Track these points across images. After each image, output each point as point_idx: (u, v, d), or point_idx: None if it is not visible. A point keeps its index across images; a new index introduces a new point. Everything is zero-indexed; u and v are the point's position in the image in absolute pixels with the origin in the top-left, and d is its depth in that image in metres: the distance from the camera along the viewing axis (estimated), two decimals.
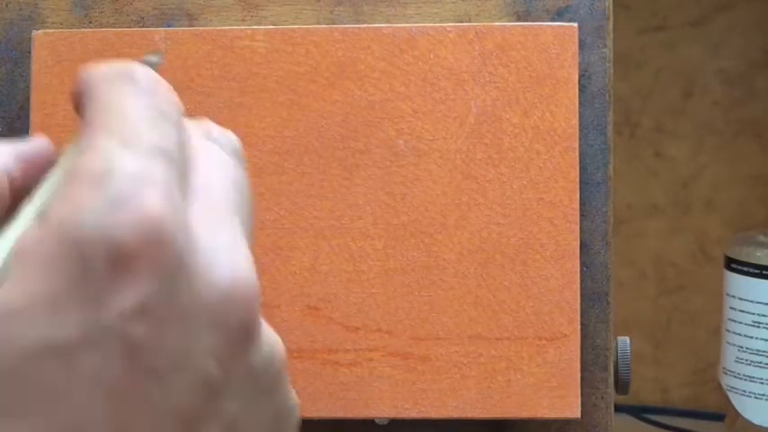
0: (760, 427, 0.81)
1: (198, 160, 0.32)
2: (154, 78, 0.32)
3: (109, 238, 0.27)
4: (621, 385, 0.53)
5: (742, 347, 0.81)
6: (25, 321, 0.27)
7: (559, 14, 0.53)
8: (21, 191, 0.33)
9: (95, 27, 0.53)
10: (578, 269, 0.51)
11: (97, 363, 0.27)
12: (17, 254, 0.28)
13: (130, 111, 0.30)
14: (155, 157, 0.29)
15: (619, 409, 0.93)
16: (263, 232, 0.51)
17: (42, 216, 0.29)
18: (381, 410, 0.51)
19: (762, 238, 0.82)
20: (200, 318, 0.29)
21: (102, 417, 0.27)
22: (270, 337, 0.32)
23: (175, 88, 0.52)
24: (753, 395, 0.81)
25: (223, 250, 0.30)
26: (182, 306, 0.28)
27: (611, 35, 0.53)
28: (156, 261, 0.27)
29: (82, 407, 0.27)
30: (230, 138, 0.34)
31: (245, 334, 0.30)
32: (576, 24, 0.51)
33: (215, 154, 0.33)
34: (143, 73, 0.32)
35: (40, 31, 0.52)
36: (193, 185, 0.31)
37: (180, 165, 0.30)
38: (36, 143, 0.36)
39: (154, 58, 0.35)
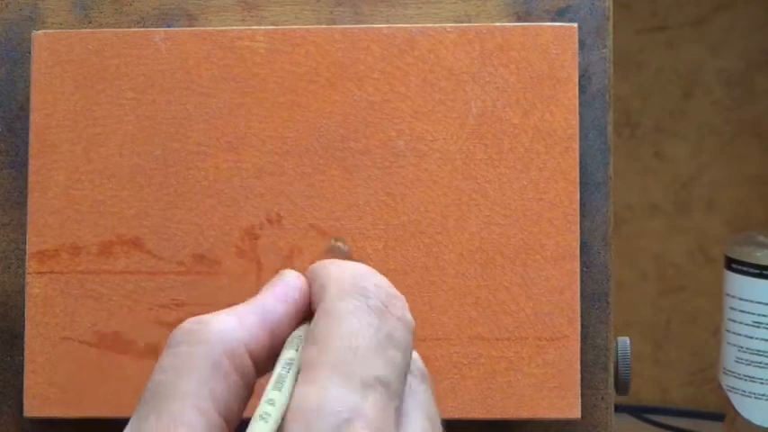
0: (760, 427, 0.81)
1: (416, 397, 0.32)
2: (387, 294, 0.32)
3: None
4: (621, 385, 0.53)
5: (742, 347, 0.81)
6: None
7: (559, 15, 0.53)
8: (264, 356, 0.33)
9: (95, 27, 0.53)
10: (578, 269, 0.51)
11: None
12: None
13: (355, 335, 0.31)
14: (371, 389, 0.29)
15: (619, 409, 0.93)
16: (262, 233, 0.51)
17: None
18: None
19: (762, 238, 0.82)
20: None
21: None
22: None
23: (175, 88, 0.52)
24: (753, 395, 0.81)
25: None
26: None
27: (611, 35, 0.53)
28: None
29: None
30: (419, 365, 0.34)
31: None
32: (575, 24, 0.51)
33: (412, 386, 0.33)
34: (375, 288, 0.32)
35: (40, 32, 0.52)
36: (405, 417, 0.31)
37: (398, 393, 0.31)
38: (281, 300, 0.34)
39: (344, 247, 0.35)
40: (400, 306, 0.32)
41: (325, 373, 0.30)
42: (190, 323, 0.33)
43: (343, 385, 0.29)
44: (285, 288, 0.34)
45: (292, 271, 0.35)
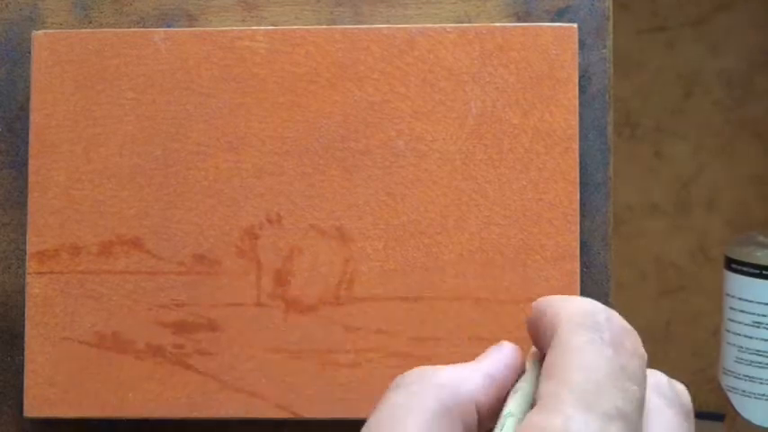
0: (760, 427, 0.81)
1: (650, 420, 0.32)
2: (620, 328, 0.32)
3: None
4: None
5: (742, 347, 0.81)
6: None
7: (559, 15, 0.53)
8: (486, 411, 0.34)
9: (95, 27, 0.53)
10: (578, 270, 0.51)
11: None
12: None
13: (594, 368, 0.31)
14: (612, 421, 0.29)
15: None
16: (262, 233, 0.51)
17: None
18: None
19: (762, 238, 0.82)
20: None
21: None
22: None
23: (175, 88, 0.52)
24: (753, 395, 0.81)
25: None
26: None
27: (611, 35, 0.53)
28: None
29: None
30: (680, 392, 0.34)
31: None
32: (575, 25, 0.51)
33: (666, 416, 0.33)
34: (607, 322, 0.32)
35: (40, 32, 0.52)
36: None
37: (637, 426, 0.30)
38: (509, 362, 0.35)
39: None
40: (633, 340, 0.32)
41: (567, 403, 0.30)
42: (421, 368, 0.34)
43: (586, 415, 0.29)
44: (507, 354, 0.35)
45: (509, 343, 0.36)
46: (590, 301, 0.33)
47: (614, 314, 0.32)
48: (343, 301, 0.51)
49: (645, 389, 0.32)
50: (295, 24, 0.53)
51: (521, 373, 0.35)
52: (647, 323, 1.00)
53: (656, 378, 0.34)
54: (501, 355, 0.35)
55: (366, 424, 0.32)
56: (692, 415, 0.33)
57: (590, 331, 0.32)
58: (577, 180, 0.51)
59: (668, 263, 0.99)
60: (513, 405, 0.33)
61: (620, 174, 1.00)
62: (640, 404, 0.31)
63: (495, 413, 0.33)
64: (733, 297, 0.81)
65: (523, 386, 0.34)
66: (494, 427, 0.32)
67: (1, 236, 0.53)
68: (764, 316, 0.79)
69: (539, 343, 0.34)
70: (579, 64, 0.52)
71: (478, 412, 0.33)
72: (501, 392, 0.34)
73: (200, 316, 0.51)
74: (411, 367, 0.51)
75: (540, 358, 0.34)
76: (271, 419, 0.51)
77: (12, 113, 0.53)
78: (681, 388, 0.34)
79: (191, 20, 0.53)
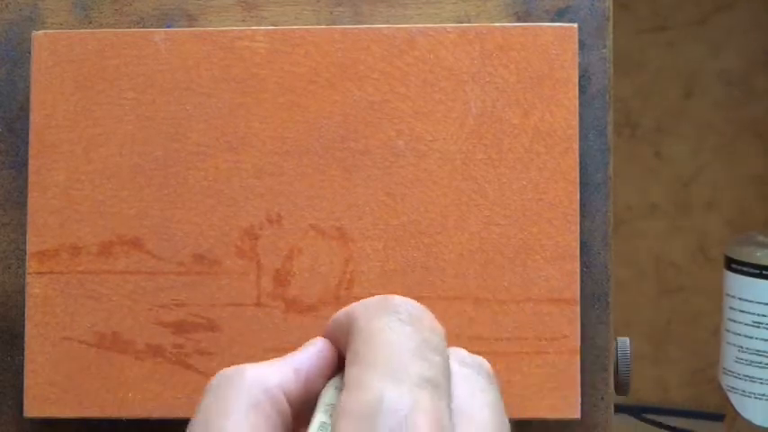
0: (760, 427, 0.81)
1: (457, 386, 0.33)
2: (415, 307, 0.33)
3: None
4: (621, 385, 0.53)
5: (742, 347, 0.81)
6: None
7: (559, 15, 0.53)
8: (299, 404, 0.34)
9: (95, 27, 0.53)
10: (578, 269, 0.51)
11: None
12: None
13: (395, 344, 0.31)
14: (423, 388, 0.30)
15: (619, 409, 0.93)
16: (262, 233, 0.51)
17: None
18: None
19: (762, 238, 0.82)
20: None
21: None
22: None
23: (175, 89, 0.52)
24: (753, 395, 0.81)
25: None
26: None
27: (611, 35, 0.53)
28: None
29: None
30: (481, 362, 0.35)
31: None
32: (575, 25, 0.51)
33: (472, 379, 0.33)
34: (403, 303, 0.33)
35: (40, 32, 0.52)
36: (456, 411, 0.32)
37: (447, 392, 0.31)
38: (314, 353, 0.36)
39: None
40: (429, 317, 0.33)
41: (375, 379, 0.30)
42: (226, 370, 0.34)
43: (395, 388, 0.30)
44: (311, 345, 0.36)
45: (322, 338, 0.36)
46: (379, 295, 0.34)
47: (406, 298, 0.33)
48: (344, 301, 0.51)
49: (448, 359, 0.33)
50: (295, 24, 0.53)
51: (335, 368, 0.35)
52: (647, 323, 1.00)
53: (456, 352, 0.35)
54: (310, 349, 0.36)
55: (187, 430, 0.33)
56: (495, 380, 0.34)
57: (387, 314, 0.33)
58: (577, 180, 0.51)
59: (668, 263, 0.99)
60: (327, 397, 0.33)
61: (620, 174, 1.00)
62: (446, 373, 0.32)
63: (307, 407, 0.34)
64: (733, 297, 0.81)
65: (337, 380, 0.34)
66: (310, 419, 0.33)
67: (1, 236, 0.53)
68: (764, 316, 0.79)
69: (340, 346, 0.35)
70: (579, 64, 0.52)
71: (290, 404, 0.34)
72: (312, 385, 0.35)
73: (199, 316, 0.51)
74: None
75: None
76: None
77: (12, 113, 0.53)
78: (481, 359, 0.35)
79: (191, 20, 0.53)
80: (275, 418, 0.33)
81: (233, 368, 0.34)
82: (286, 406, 0.34)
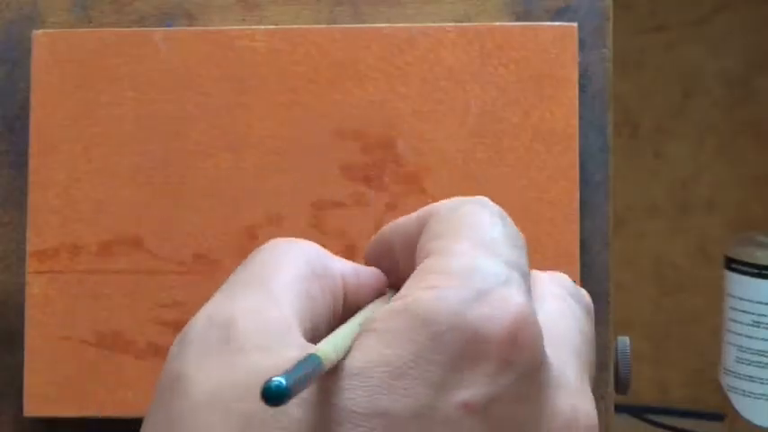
0: (760, 427, 0.81)
1: (550, 302, 0.31)
2: (500, 209, 0.31)
3: (468, 326, 0.26)
4: (621, 385, 0.53)
5: (742, 347, 0.81)
6: (357, 384, 0.26)
7: (559, 14, 0.53)
8: (351, 304, 0.32)
9: (95, 27, 0.53)
10: (578, 269, 0.51)
11: None
12: (364, 329, 0.27)
13: (489, 225, 0.29)
14: (513, 268, 0.28)
15: (619, 409, 0.93)
16: (262, 233, 0.51)
17: (396, 297, 0.27)
18: None
19: (762, 238, 0.82)
20: None
21: None
22: None
23: (175, 88, 0.52)
24: (753, 395, 0.81)
25: (572, 385, 0.28)
26: (522, 417, 0.26)
27: (611, 35, 0.53)
28: (512, 359, 0.26)
29: None
30: (583, 295, 0.33)
31: None
32: (575, 24, 0.51)
33: (567, 302, 0.32)
34: (491, 202, 0.31)
35: (39, 31, 0.52)
36: (543, 322, 0.29)
37: (530, 290, 0.29)
38: (374, 271, 0.34)
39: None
40: (514, 224, 0.31)
41: (467, 247, 0.28)
42: (279, 239, 0.32)
43: (491, 258, 0.28)
44: (375, 270, 0.34)
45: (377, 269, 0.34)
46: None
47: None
48: None
49: (529, 267, 0.30)
50: (295, 24, 0.53)
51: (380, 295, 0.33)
52: (647, 323, 1.00)
53: (557, 275, 0.33)
54: (369, 267, 0.34)
55: (233, 276, 0.31)
56: (592, 314, 0.32)
57: (477, 204, 0.31)
58: (577, 179, 0.51)
59: (668, 263, 0.99)
60: (367, 310, 0.31)
61: (620, 174, 1.00)
62: (528, 275, 0.30)
63: (355, 309, 0.32)
64: (733, 297, 0.81)
65: (377, 303, 0.32)
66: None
67: (1, 236, 0.53)
68: (764, 316, 0.79)
69: (378, 257, 0.32)
70: (579, 63, 0.52)
71: (345, 292, 0.32)
72: (361, 296, 0.32)
73: None
74: None
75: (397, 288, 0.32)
76: None
77: (12, 113, 0.53)
78: (584, 291, 0.33)
79: (191, 19, 0.53)
80: (328, 295, 0.31)
81: (289, 239, 0.32)
82: (341, 293, 0.31)
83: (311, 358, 0.25)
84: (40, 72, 0.52)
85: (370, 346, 0.26)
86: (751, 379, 0.80)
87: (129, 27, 0.53)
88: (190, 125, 0.52)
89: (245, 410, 0.26)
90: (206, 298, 0.51)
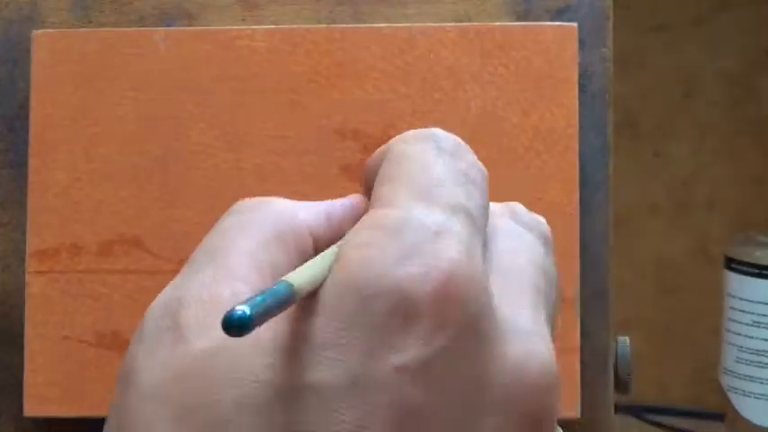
0: (760, 427, 0.81)
1: (502, 239, 0.30)
2: (458, 142, 0.30)
3: (395, 288, 0.25)
4: (622, 385, 0.53)
5: (742, 347, 0.81)
6: (288, 355, 0.25)
7: (559, 14, 0.53)
8: (324, 246, 0.31)
9: (95, 27, 0.53)
10: (578, 269, 0.51)
11: (357, 416, 0.24)
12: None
13: (432, 166, 0.28)
14: (456, 213, 0.27)
15: (619, 409, 0.93)
16: None
17: (335, 258, 0.26)
18: None
19: (762, 238, 0.82)
20: (484, 394, 0.26)
21: None
22: None
23: (175, 88, 0.52)
24: (753, 395, 0.81)
25: (523, 329, 0.27)
26: (466, 375, 0.25)
27: (611, 35, 0.53)
28: (445, 318, 0.25)
29: None
30: (540, 222, 0.31)
31: (536, 427, 0.26)
32: (575, 24, 0.51)
33: (522, 235, 0.30)
34: (445, 136, 0.30)
35: (39, 31, 0.52)
36: (494, 261, 0.28)
37: (482, 229, 0.28)
38: (351, 202, 0.33)
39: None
40: (473, 156, 0.30)
41: (403, 196, 0.27)
42: (257, 198, 0.31)
43: (426, 207, 0.27)
44: (347, 198, 0.33)
45: (357, 195, 0.33)
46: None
47: (450, 134, 0.30)
48: None
49: (488, 201, 0.29)
50: (295, 23, 0.53)
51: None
52: (647, 323, 1.00)
53: (511, 205, 0.32)
54: (345, 201, 0.33)
55: (196, 250, 0.30)
56: (551, 243, 0.31)
57: (426, 141, 0.29)
58: (577, 179, 0.51)
59: (668, 263, 0.99)
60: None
61: (620, 174, 0.99)
62: (484, 212, 0.29)
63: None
64: (733, 297, 0.81)
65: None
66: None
67: (1, 236, 0.53)
68: (764, 316, 0.79)
69: (369, 182, 0.31)
70: (579, 63, 0.52)
71: (315, 247, 0.31)
72: (338, 234, 0.31)
73: None
74: None
75: None
76: None
77: (12, 113, 0.53)
78: (541, 218, 0.32)
79: (191, 19, 0.53)
80: (296, 256, 0.30)
81: (264, 198, 0.31)
82: (310, 247, 0.30)
83: (280, 286, 0.24)
84: (39, 72, 0.52)
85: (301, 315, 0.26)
86: (751, 379, 0.80)
87: (129, 27, 0.53)
88: (190, 125, 0.52)
89: (184, 403, 0.25)
90: None
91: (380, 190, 0.28)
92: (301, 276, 0.25)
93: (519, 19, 0.53)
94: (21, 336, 0.52)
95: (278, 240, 0.30)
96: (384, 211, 0.27)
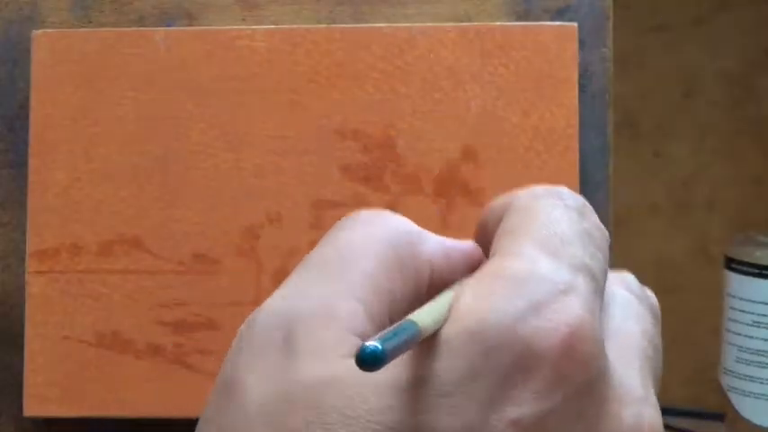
0: (760, 427, 0.81)
1: (615, 305, 0.30)
2: (583, 201, 0.30)
3: (522, 341, 0.25)
4: None
5: (742, 347, 0.81)
6: (408, 399, 0.25)
7: (559, 14, 0.53)
8: (439, 284, 0.30)
9: (95, 27, 0.53)
10: None
11: None
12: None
13: (559, 223, 0.28)
14: (581, 272, 0.27)
15: None
16: (262, 232, 0.51)
17: (454, 304, 0.26)
18: None
19: (762, 238, 0.82)
20: None
21: None
22: None
23: (175, 88, 0.52)
24: (753, 395, 0.81)
25: (636, 394, 0.27)
26: None
27: (611, 35, 0.53)
28: (566, 375, 0.25)
29: None
30: (649, 295, 0.32)
31: None
32: (575, 24, 0.51)
33: (633, 304, 0.30)
34: (570, 193, 0.30)
35: (39, 31, 0.52)
36: (609, 325, 0.29)
37: (602, 292, 0.28)
38: (468, 248, 0.32)
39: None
40: (596, 217, 0.30)
41: (528, 249, 0.27)
42: (381, 210, 0.31)
43: (552, 263, 0.27)
44: (463, 242, 0.33)
45: (474, 243, 0.33)
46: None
47: (574, 192, 0.30)
48: None
49: (607, 266, 0.29)
50: (295, 23, 0.53)
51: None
52: None
53: (623, 275, 0.32)
54: (461, 244, 0.32)
55: (306, 259, 0.29)
56: (659, 318, 0.31)
57: (553, 197, 0.29)
58: (577, 179, 0.51)
59: (668, 263, 0.99)
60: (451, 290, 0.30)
61: (620, 174, 0.99)
62: (605, 275, 0.29)
63: (442, 287, 0.30)
64: (733, 297, 0.81)
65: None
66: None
67: (1, 235, 0.53)
68: (764, 316, 0.79)
69: (486, 231, 0.31)
70: (579, 63, 0.52)
71: (431, 279, 0.30)
72: (453, 276, 0.31)
73: (200, 315, 0.51)
74: None
75: None
76: None
77: (12, 113, 0.53)
78: (650, 291, 0.32)
79: (191, 19, 0.53)
80: (411, 287, 0.29)
81: (390, 213, 0.31)
82: (426, 281, 0.30)
83: (407, 324, 0.24)
84: (39, 72, 0.52)
85: (421, 356, 0.25)
86: (751, 379, 0.80)
87: (129, 27, 0.53)
88: (190, 125, 0.52)
89: (293, 430, 0.25)
90: (206, 297, 0.51)
91: (504, 240, 0.28)
92: (426, 317, 0.25)
93: (519, 19, 0.53)
94: (21, 336, 0.52)
95: (399, 267, 0.29)
96: (508, 262, 0.27)
